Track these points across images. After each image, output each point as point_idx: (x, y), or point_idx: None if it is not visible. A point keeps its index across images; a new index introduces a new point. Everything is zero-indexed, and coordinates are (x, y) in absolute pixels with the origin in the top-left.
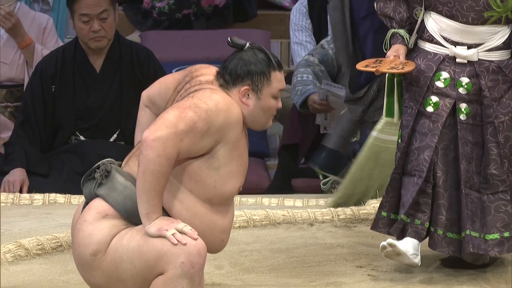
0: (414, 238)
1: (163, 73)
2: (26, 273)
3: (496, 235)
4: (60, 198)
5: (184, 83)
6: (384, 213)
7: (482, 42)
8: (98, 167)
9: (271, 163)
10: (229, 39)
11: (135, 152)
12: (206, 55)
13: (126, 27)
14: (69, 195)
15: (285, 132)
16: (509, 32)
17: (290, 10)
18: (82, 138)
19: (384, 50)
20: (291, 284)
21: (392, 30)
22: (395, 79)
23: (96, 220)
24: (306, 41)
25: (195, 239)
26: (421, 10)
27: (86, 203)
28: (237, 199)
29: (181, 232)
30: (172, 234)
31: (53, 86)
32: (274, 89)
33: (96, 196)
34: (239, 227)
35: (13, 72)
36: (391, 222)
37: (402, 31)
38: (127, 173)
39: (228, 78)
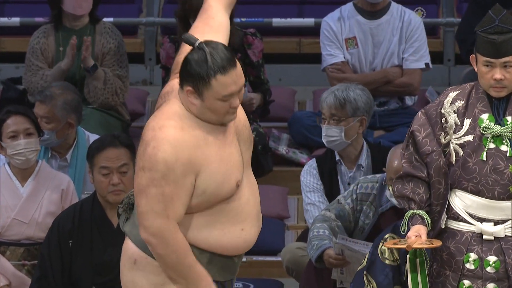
0: None
1: None
2: None
3: None
4: None
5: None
6: None
7: (508, 218)
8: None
9: None
10: (183, 35)
11: None
12: None
13: None
14: None
15: (301, 287)
16: None
17: None
18: None
19: (402, 232)
20: None
21: (411, 211)
22: (418, 259)
23: (131, 266)
24: (319, 201)
25: None
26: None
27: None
28: None
29: None
30: None
31: (70, 241)
32: (217, 93)
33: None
34: None
35: (32, 231)
36: None
37: (422, 212)
38: None
39: (179, 78)
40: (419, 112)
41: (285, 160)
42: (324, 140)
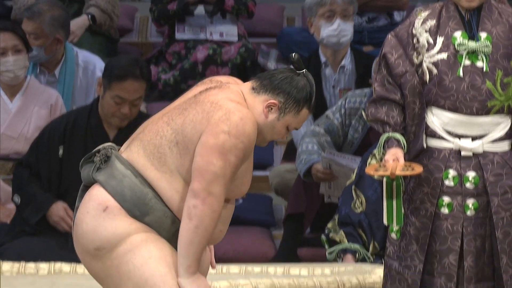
0: None
1: None
2: None
3: None
4: (65, 267)
5: (201, 83)
6: None
7: (486, 133)
8: (99, 151)
9: (276, 233)
10: (293, 54)
11: (139, 135)
12: None
13: None
14: (75, 264)
15: (290, 201)
16: (511, 122)
17: None
18: None
19: (376, 155)
20: None
21: (386, 135)
22: (394, 183)
23: (98, 213)
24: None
25: None
26: (421, 10)
27: (85, 186)
28: (243, 268)
29: None
30: None
31: (61, 147)
32: (294, 122)
33: (94, 180)
34: None
35: (21, 146)
36: None
37: (397, 135)
38: (126, 160)
39: (266, 83)
40: (389, 35)
41: None
42: (332, 38)
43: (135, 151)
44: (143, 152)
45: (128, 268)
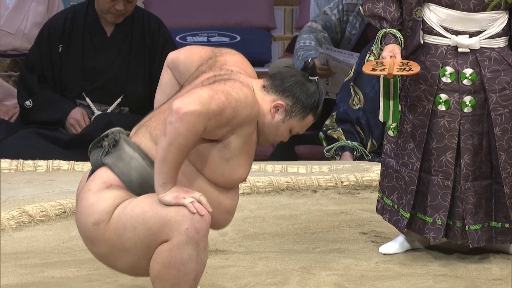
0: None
1: (172, 42)
2: (30, 240)
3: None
4: (63, 164)
5: (209, 66)
6: (389, 201)
7: (483, 30)
8: (107, 136)
9: None
10: (309, 60)
11: (146, 122)
12: (210, 21)
13: None
14: (73, 161)
15: None
16: (508, 18)
17: None
18: (88, 100)
19: (374, 51)
20: (294, 250)
21: (384, 30)
22: (391, 80)
23: (100, 190)
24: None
25: (209, 211)
26: (421, 10)
27: (92, 171)
28: None
29: (198, 202)
30: (191, 203)
31: (61, 46)
32: (297, 127)
33: (103, 164)
34: (242, 193)
35: (18, 42)
36: (396, 213)
37: (394, 31)
38: (134, 144)
39: (277, 84)
40: None
41: None
42: None
43: (142, 136)
44: (150, 137)
45: (122, 222)
